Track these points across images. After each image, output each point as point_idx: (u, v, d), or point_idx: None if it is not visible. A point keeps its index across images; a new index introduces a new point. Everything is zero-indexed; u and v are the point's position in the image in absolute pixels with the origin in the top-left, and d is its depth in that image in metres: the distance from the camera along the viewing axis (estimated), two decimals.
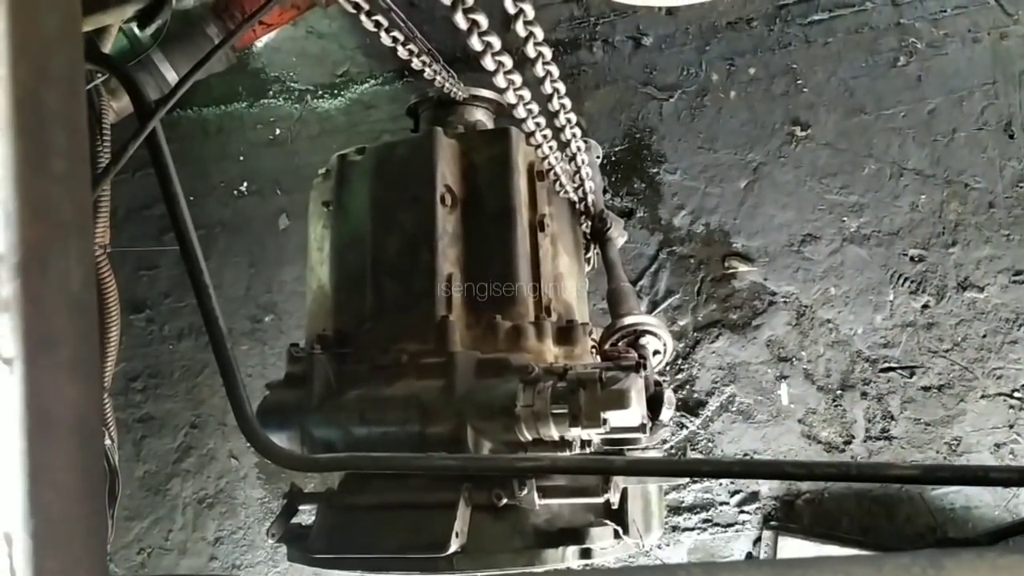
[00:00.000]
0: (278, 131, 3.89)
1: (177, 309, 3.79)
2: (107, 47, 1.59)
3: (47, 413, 0.52)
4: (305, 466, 1.66)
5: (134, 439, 3.78)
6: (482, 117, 2.42)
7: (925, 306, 3.13)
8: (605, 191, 3.31)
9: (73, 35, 0.57)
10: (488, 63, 1.39)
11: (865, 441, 3.12)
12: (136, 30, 1.52)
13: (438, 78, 2.19)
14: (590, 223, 2.38)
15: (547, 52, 1.50)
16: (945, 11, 3.25)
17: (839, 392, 3.16)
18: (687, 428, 3.26)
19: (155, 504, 3.74)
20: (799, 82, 3.38)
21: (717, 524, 3.20)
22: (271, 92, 3.91)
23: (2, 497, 0.50)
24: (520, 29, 1.36)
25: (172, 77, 2.36)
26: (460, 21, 1.23)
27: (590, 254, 2.47)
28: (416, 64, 1.96)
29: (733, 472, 1.88)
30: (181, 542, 3.71)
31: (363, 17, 1.57)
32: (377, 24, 1.65)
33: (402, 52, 1.91)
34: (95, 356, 0.57)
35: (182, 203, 1.42)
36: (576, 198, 2.26)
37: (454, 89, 2.30)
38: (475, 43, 1.32)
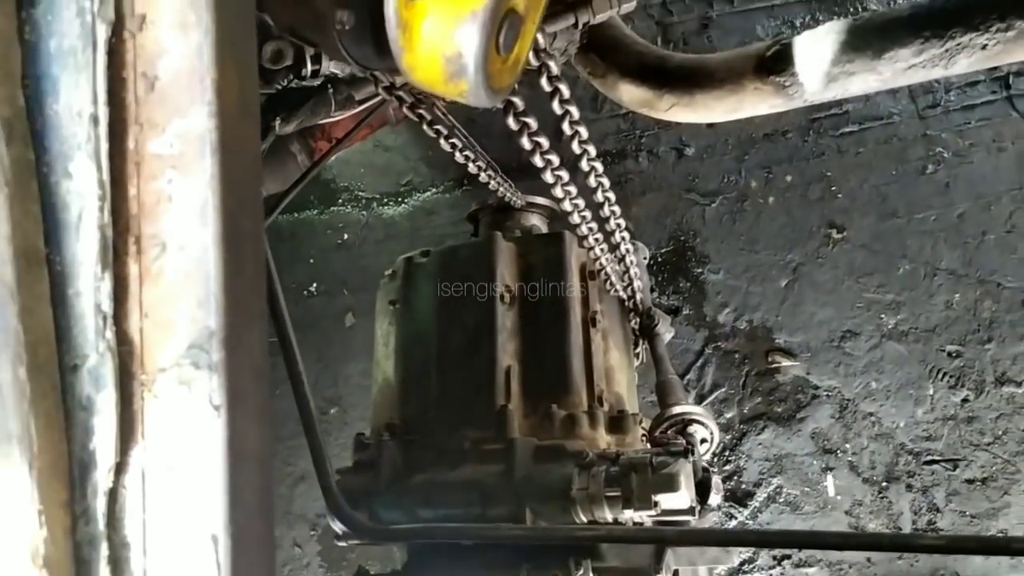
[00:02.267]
0: (346, 236, 4.15)
1: None
2: None
3: (241, 449, 0.70)
4: (384, 536, 1.77)
5: None
6: (537, 222, 2.58)
7: (965, 400, 3.21)
8: (652, 290, 3.46)
9: (257, 173, 0.79)
10: (548, 177, 1.58)
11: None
12: None
13: (493, 183, 2.34)
14: (639, 320, 2.50)
15: (599, 166, 1.69)
16: (969, 123, 3.45)
17: (884, 484, 3.22)
18: (736, 519, 3.32)
19: None
20: (833, 188, 3.57)
21: None
22: (340, 200, 4.19)
23: (212, 509, 0.68)
24: (575, 148, 1.56)
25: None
26: (525, 143, 1.43)
27: (639, 349, 2.58)
28: (473, 170, 2.14)
29: (776, 542, 1.98)
30: None
31: (425, 126, 1.77)
32: (438, 132, 1.84)
33: (473, 168, 2.10)
34: (270, 409, 0.76)
35: (282, 302, 1.59)
36: (625, 296, 2.40)
37: (511, 195, 2.47)
38: (537, 161, 1.51)
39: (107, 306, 0.70)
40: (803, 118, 3.64)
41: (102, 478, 0.68)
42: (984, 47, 1.77)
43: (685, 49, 3.48)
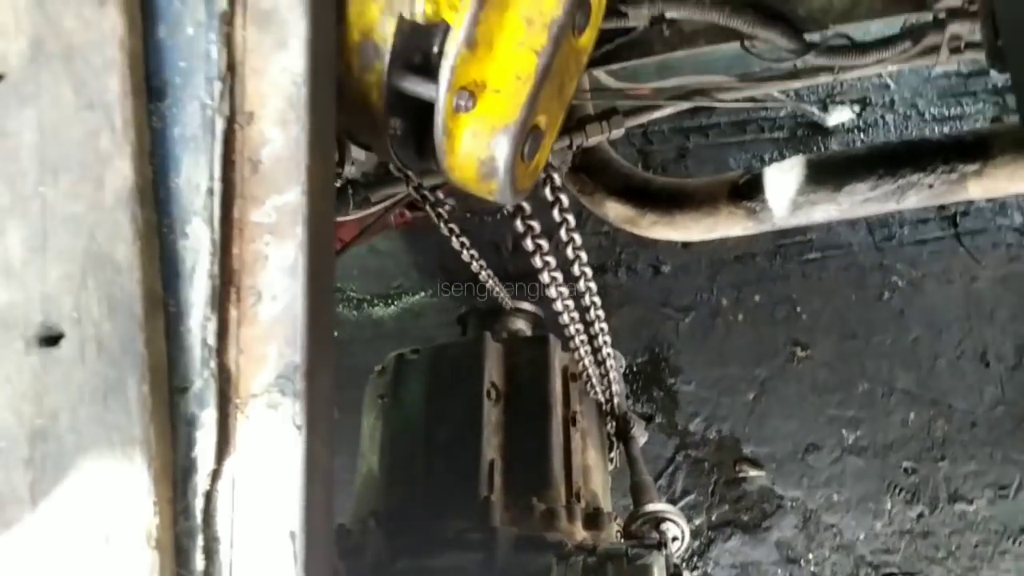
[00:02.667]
0: (336, 334, 4.22)
1: None
2: None
3: (315, 462, 0.84)
4: None
5: None
6: (522, 326, 2.71)
7: (920, 515, 3.35)
8: (628, 398, 3.60)
9: (331, 240, 0.96)
10: (545, 277, 1.73)
11: None
12: None
13: (491, 281, 2.49)
14: (615, 423, 2.61)
15: (589, 271, 1.86)
16: (922, 255, 3.74)
17: None
18: None
19: None
20: (798, 309, 3.80)
21: None
22: None
23: (291, 509, 0.82)
24: (570, 253, 1.73)
25: None
26: (528, 244, 1.59)
27: (613, 454, 2.69)
28: (476, 267, 2.30)
29: None
30: None
31: (441, 224, 1.95)
32: (451, 231, 2.01)
33: (475, 266, 2.27)
34: (333, 435, 0.91)
35: None
36: (603, 399, 2.52)
37: (503, 297, 2.62)
38: (537, 261, 1.66)
39: (212, 342, 0.85)
40: (771, 243, 3.90)
41: (201, 482, 0.82)
42: (931, 186, 2.02)
43: (663, 175, 3.75)
